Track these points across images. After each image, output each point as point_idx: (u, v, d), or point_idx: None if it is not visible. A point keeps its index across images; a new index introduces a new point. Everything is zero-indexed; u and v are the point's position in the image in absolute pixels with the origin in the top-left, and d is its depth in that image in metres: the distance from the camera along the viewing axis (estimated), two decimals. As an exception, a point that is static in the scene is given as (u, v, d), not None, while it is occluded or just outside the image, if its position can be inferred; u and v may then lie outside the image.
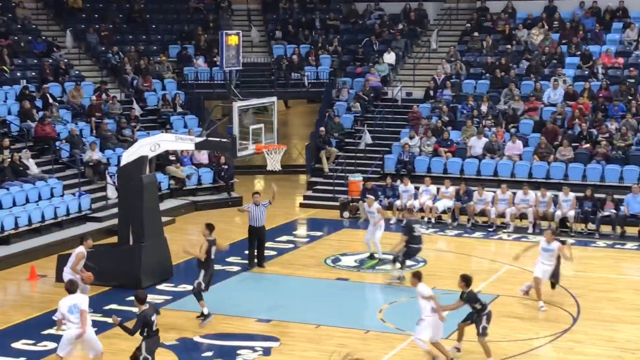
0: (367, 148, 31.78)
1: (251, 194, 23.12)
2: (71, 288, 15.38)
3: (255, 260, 22.49)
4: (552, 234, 19.53)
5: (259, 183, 34.24)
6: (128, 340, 15.35)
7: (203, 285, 18.21)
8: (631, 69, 32.06)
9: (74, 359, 15.61)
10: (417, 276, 15.92)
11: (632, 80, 31.46)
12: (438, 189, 27.84)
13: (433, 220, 27.34)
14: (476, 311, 15.95)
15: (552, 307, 19.17)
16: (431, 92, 33.41)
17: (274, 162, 21.39)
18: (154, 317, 14.55)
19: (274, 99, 22.41)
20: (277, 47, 37.32)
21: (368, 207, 23.23)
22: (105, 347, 15.58)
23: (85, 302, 15.10)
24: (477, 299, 15.94)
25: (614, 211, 25.89)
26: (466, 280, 15.93)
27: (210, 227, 18.61)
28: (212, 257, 18.48)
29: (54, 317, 17.81)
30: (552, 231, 20.08)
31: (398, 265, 21.20)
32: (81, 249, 18.23)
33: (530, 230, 26.18)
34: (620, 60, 33.06)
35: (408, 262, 21.27)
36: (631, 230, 25.62)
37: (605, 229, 25.77)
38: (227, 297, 20.01)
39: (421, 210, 27.45)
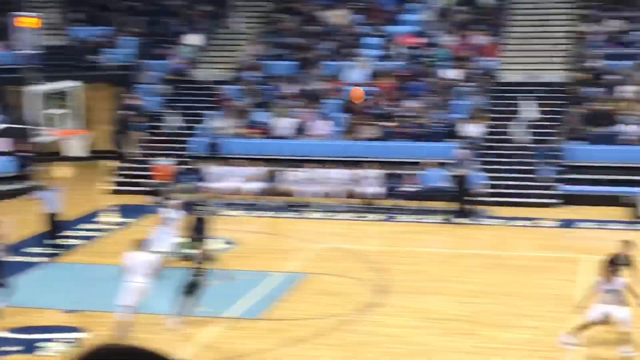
0: (173, 131, 31.49)
1: (52, 181, 22.61)
2: None
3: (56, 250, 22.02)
4: None
5: (61, 170, 33.29)
6: None
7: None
8: (430, 48, 33.11)
9: None
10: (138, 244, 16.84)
11: (431, 60, 32.51)
12: (246, 171, 27.92)
13: (242, 202, 27.43)
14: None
15: (359, 281, 19.63)
16: (237, 74, 33.43)
17: (78, 148, 20.94)
18: None
19: (77, 83, 21.92)
20: (79, 29, 36.35)
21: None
22: None
23: None
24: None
25: (416, 186, 26.76)
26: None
27: None
28: None
29: None
30: None
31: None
32: None
33: (336, 208, 26.69)
34: (420, 40, 34.08)
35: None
36: (431, 204, 26.52)
37: (408, 204, 26.58)
38: (31, 289, 19.40)
39: (230, 192, 27.49)
